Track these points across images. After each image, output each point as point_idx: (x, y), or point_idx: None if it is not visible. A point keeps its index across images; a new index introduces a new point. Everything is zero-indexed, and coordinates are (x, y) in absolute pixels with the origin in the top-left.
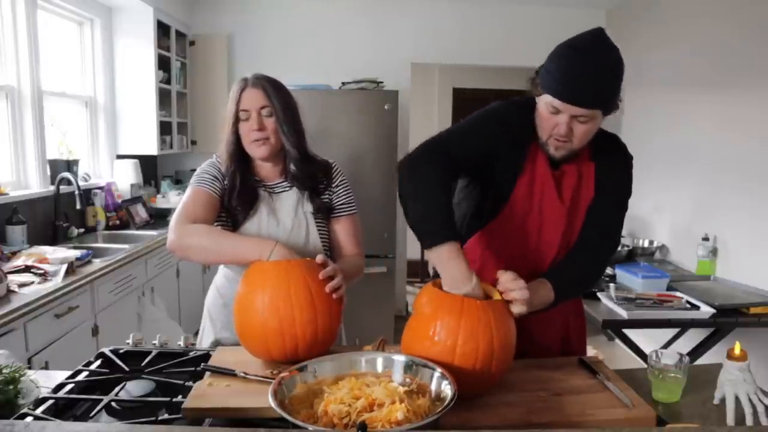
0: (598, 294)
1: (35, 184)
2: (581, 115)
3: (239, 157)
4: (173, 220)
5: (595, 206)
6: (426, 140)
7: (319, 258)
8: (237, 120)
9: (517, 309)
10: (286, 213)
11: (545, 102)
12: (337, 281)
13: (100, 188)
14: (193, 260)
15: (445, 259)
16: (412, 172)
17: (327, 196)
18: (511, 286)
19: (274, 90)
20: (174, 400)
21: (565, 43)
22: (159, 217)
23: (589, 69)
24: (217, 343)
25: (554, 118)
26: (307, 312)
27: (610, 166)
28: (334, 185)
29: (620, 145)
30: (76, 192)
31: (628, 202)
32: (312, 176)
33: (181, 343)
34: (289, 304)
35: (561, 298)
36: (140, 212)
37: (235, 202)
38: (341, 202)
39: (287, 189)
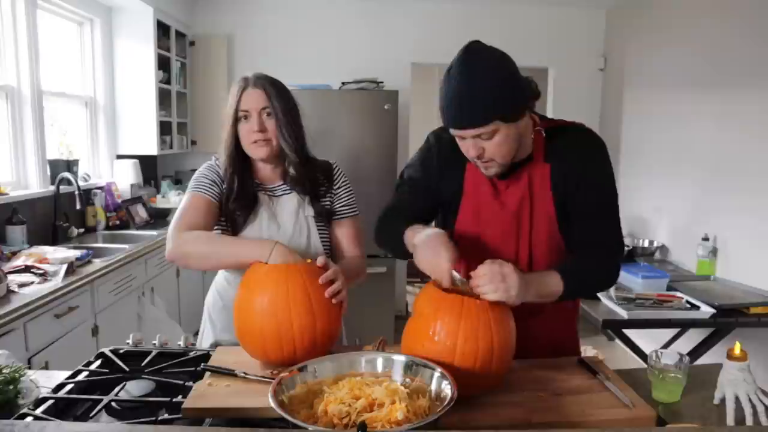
0: (598, 294)
1: (35, 184)
2: (480, 134)
3: (238, 158)
4: (171, 228)
5: (577, 206)
6: (383, 208)
7: (320, 260)
8: (236, 120)
9: (493, 297)
10: (287, 217)
11: (452, 134)
12: (337, 285)
13: (100, 188)
14: (194, 268)
15: (412, 232)
16: (379, 237)
17: (328, 199)
18: (482, 281)
19: (276, 91)
20: (174, 400)
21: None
22: (159, 217)
23: (458, 89)
24: (216, 345)
25: (463, 143)
26: (306, 317)
27: (574, 162)
28: (335, 187)
29: (583, 136)
30: (76, 192)
31: (615, 187)
32: (312, 180)
33: (181, 343)
34: (287, 308)
35: (571, 292)
36: (140, 212)
37: (234, 205)
38: (343, 204)
39: (288, 192)
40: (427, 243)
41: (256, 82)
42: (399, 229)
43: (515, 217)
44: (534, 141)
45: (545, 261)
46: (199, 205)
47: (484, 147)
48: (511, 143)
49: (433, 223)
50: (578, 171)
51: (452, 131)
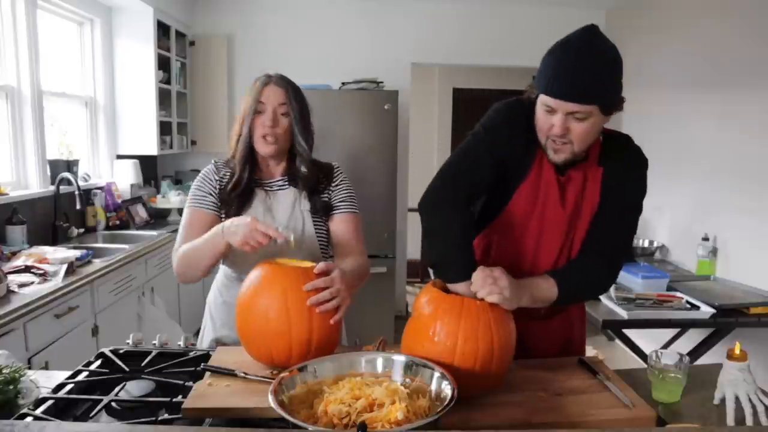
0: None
1: (35, 184)
2: (576, 112)
3: (250, 152)
4: (174, 247)
5: (605, 211)
6: (440, 170)
7: (319, 267)
8: (254, 113)
9: (490, 299)
10: (282, 210)
11: (540, 102)
12: (324, 295)
13: (100, 188)
14: (196, 278)
15: (463, 293)
16: (429, 212)
17: (326, 195)
18: (476, 286)
19: (295, 93)
20: (174, 400)
21: (558, 41)
22: (159, 217)
23: (578, 62)
24: (217, 342)
25: (550, 118)
26: (280, 324)
27: (620, 170)
28: (334, 184)
29: (632, 147)
30: (76, 192)
31: (642, 204)
32: (315, 178)
33: (181, 343)
34: (265, 311)
35: (565, 297)
36: (140, 212)
37: (232, 194)
38: (341, 199)
39: (285, 187)
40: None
41: (279, 81)
42: (457, 259)
43: (570, 214)
44: (592, 144)
45: None
46: (196, 222)
47: (571, 127)
48: (594, 134)
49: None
50: (623, 180)
51: (547, 100)
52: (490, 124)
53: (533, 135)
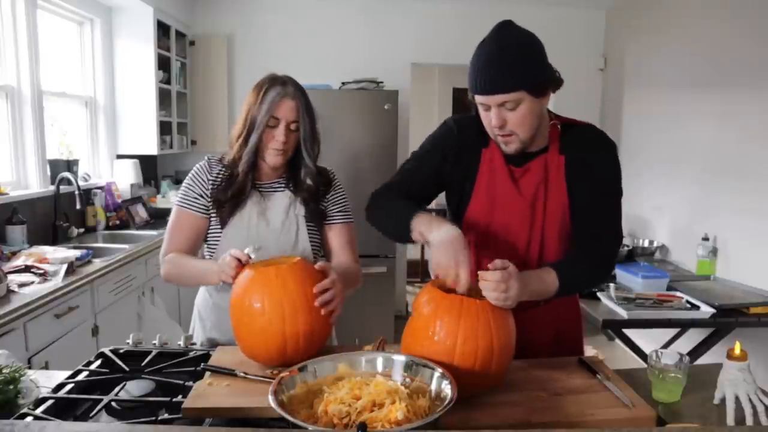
0: (598, 294)
1: (35, 184)
2: (505, 102)
3: (254, 159)
4: (161, 251)
5: (583, 199)
6: (382, 185)
7: (319, 266)
8: (266, 126)
9: (495, 303)
10: (276, 214)
11: (477, 103)
12: (329, 295)
13: (100, 188)
14: (183, 286)
15: (425, 224)
16: (372, 209)
17: (323, 204)
18: (487, 288)
19: (306, 105)
20: (174, 400)
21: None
22: (159, 217)
23: (493, 54)
24: (207, 344)
25: (488, 114)
26: (273, 322)
27: (586, 156)
28: (331, 193)
29: (596, 134)
30: (76, 192)
31: (621, 187)
32: (317, 190)
33: (181, 343)
34: (259, 310)
35: (565, 289)
36: (140, 212)
37: (225, 196)
38: (338, 209)
39: (280, 189)
40: (445, 245)
41: (295, 93)
42: (402, 208)
43: (531, 203)
44: (550, 133)
45: (555, 248)
46: (185, 224)
47: (507, 118)
48: (533, 119)
49: (447, 213)
50: (590, 165)
51: (479, 99)
52: (424, 146)
53: (471, 141)
